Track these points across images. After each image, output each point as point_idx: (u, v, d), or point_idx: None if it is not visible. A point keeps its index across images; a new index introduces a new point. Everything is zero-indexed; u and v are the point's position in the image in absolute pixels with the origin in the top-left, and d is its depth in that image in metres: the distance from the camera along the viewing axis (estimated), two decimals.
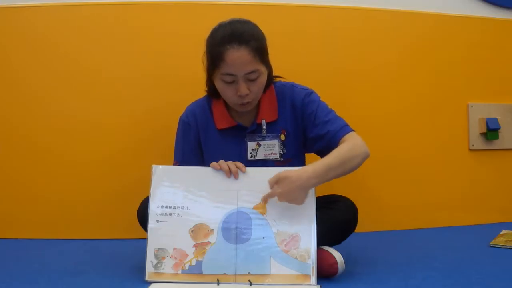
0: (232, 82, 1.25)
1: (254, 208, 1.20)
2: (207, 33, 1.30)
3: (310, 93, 1.37)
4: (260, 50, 1.25)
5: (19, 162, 1.75)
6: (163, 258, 1.17)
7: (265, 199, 1.20)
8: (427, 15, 1.94)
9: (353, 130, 1.30)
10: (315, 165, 1.18)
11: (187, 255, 1.17)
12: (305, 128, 1.35)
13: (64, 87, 1.76)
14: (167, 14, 1.79)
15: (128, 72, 1.78)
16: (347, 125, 1.31)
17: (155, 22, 1.78)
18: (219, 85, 1.28)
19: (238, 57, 1.21)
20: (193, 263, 1.16)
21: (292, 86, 1.38)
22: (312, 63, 1.83)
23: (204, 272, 1.15)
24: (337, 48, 1.87)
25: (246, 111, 1.33)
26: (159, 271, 1.16)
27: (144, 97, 1.78)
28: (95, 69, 1.77)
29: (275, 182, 1.17)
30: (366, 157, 1.25)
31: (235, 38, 1.21)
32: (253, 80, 1.25)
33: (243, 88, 1.24)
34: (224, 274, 1.15)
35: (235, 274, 1.14)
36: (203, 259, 1.16)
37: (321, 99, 1.37)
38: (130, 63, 1.78)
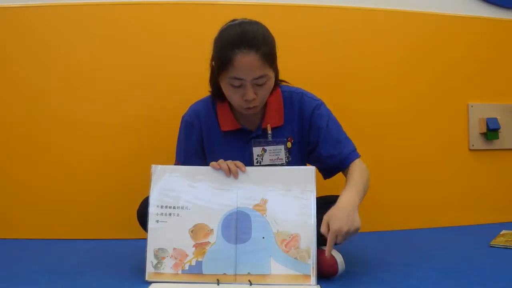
0: (240, 86, 1.22)
1: (254, 208, 1.20)
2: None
3: (320, 104, 1.36)
4: (269, 55, 1.21)
5: (19, 162, 1.75)
6: (163, 258, 1.17)
7: (330, 251, 1.12)
8: (427, 15, 1.94)
9: (360, 155, 1.34)
10: (346, 191, 1.19)
11: (187, 255, 1.17)
12: (317, 142, 1.34)
13: (64, 87, 1.76)
14: (167, 14, 1.79)
15: (128, 72, 1.78)
16: (356, 149, 1.34)
17: (155, 22, 1.78)
18: (225, 88, 1.26)
19: (247, 62, 1.18)
20: (193, 263, 1.16)
21: (301, 94, 1.37)
22: (312, 63, 1.83)
23: (204, 272, 1.15)
24: (337, 48, 1.87)
25: (252, 114, 1.32)
26: (159, 271, 1.16)
27: (144, 97, 1.78)
28: (95, 69, 1.77)
29: (327, 225, 1.12)
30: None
31: (245, 42, 1.17)
32: (260, 85, 1.23)
33: (250, 93, 1.22)
34: (224, 274, 1.15)
35: (235, 274, 1.14)
36: (203, 259, 1.16)
37: (325, 104, 1.38)
38: (130, 63, 1.78)
